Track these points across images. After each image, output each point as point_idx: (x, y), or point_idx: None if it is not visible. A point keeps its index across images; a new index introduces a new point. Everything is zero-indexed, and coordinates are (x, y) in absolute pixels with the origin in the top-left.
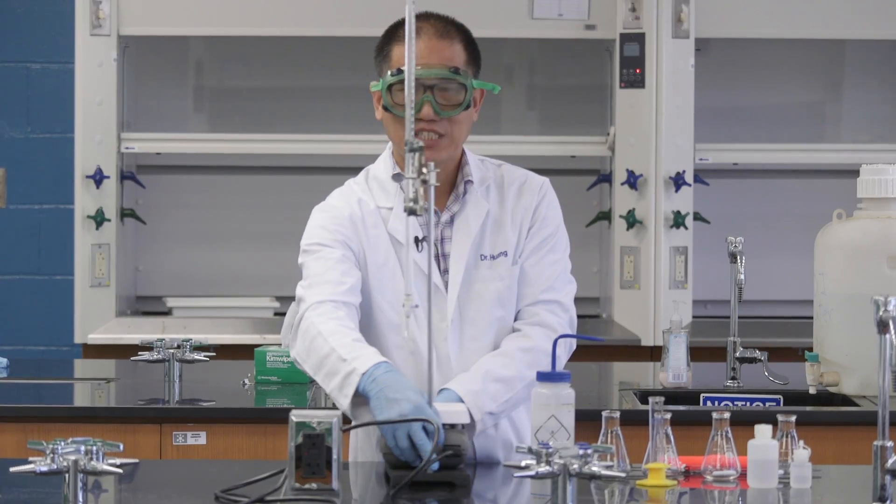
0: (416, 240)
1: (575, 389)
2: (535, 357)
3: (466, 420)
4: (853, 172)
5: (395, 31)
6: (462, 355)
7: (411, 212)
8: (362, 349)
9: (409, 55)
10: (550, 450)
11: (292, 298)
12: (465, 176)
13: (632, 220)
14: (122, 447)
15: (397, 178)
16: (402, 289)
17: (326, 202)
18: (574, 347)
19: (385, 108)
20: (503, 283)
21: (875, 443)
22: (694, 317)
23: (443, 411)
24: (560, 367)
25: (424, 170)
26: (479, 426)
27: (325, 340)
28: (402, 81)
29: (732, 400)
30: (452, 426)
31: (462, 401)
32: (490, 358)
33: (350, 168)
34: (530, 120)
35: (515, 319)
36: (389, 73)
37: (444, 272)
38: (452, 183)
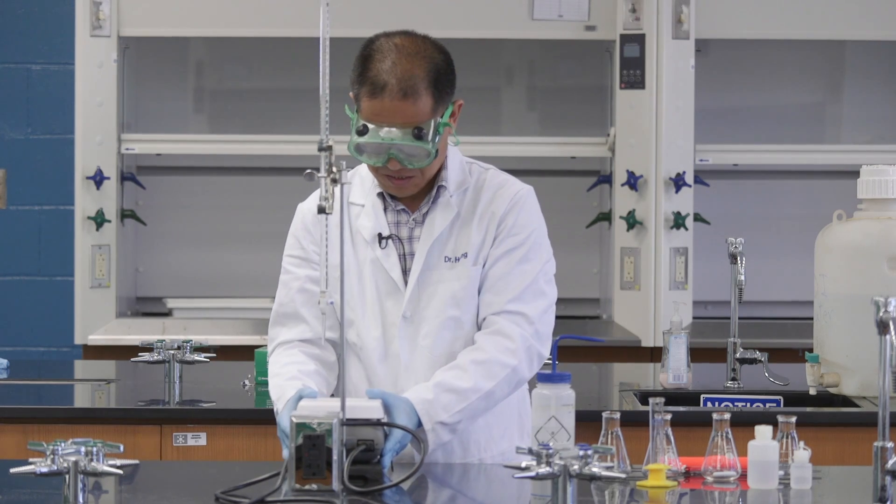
0: (380, 237)
1: (575, 390)
2: (489, 369)
3: (379, 415)
4: (853, 173)
5: (366, 70)
6: (414, 353)
7: (321, 210)
8: (283, 389)
9: (323, 60)
10: (551, 451)
11: None
12: (440, 180)
13: (632, 221)
14: (122, 448)
15: (309, 176)
16: (355, 287)
17: (304, 202)
18: (542, 361)
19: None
20: (459, 284)
21: (875, 444)
22: (694, 318)
23: (355, 406)
24: (526, 379)
25: (335, 168)
26: (432, 436)
27: (269, 382)
28: (368, 143)
29: (733, 401)
30: (366, 421)
31: (415, 410)
32: (443, 371)
33: (350, 169)
34: (530, 121)
35: (479, 328)
36: (356, 128)
37: (409, 271)
38: (432, 185)
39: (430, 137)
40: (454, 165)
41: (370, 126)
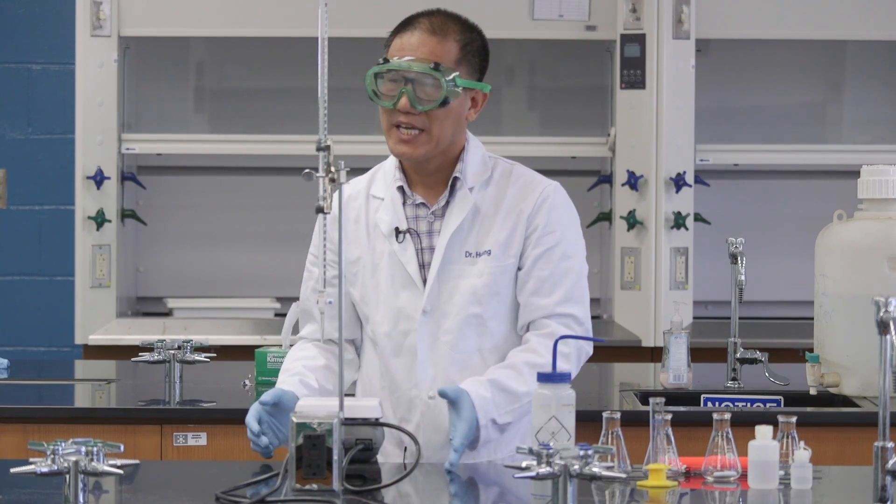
0: (398, 231)
1: (575, 390)
2: None
3: (378, 414)
4: (854, 173)
5: (401, 24)
6: (434, 348)
7: (319, 210)
8: (280, 382)
9: (322, 60)
10: (551, 451)
11: (293, 299)
12: (454, 171)
13: (632, 221)
14: (122, 448)
15: (307, 176)
16: (368, 282)
17: None
18: (589, 354)
19: (371, 99)
20: (481, 280)
21: (876, 444)
22: (694, 318)
23: (353, 406)
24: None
25: (333, 168)
26: (483, 433)
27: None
28: (388, 70)
29: (733, 401)
30: (365, 420)
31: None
32: (498, 369)
33: (349, 169)
34: (531, 121)
35: (529, 328)
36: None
37: (428, 265)
38: (448, 177)
39: (447, 77)
40: (474, 159)
41: (392, 60)
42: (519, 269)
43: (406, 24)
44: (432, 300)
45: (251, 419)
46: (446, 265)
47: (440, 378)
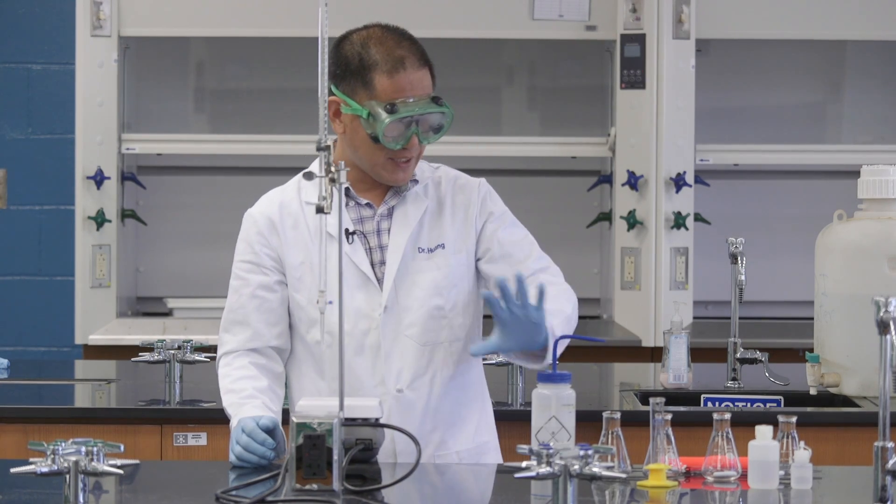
0: (348, 232)
1: (575, 390)
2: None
3: (378, 414)
4: (854, 173)
5: (369, 57)
6: (397, 343)
7: (319, 210)
8: (242, 407)
9: (322, 60)
10: (551, 451)
11: None
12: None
13: (632, 221)
14: (122, 448)
15: (308, 176)
16: (318, 285)
17: (253, 208)
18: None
19: (374, 139)
20: (440, 273)
21: (876, 443)
22: (694, 318)
23: (353, 406)
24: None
25: (333, 168)
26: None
27: (222, 396)
28: (400, 120)
29: (733, 401)
30: (365, 420)
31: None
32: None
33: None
34: (531, 121)
35: None
36: (381, 108)
37: (381, 263)
38: None
39: (447, 106)
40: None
41: (397, 103)
42: (479, 258)
43: (395, 65)
44: (392, 296)
45: (257, 432)
46: (405, 261)
47: (407, 372)
